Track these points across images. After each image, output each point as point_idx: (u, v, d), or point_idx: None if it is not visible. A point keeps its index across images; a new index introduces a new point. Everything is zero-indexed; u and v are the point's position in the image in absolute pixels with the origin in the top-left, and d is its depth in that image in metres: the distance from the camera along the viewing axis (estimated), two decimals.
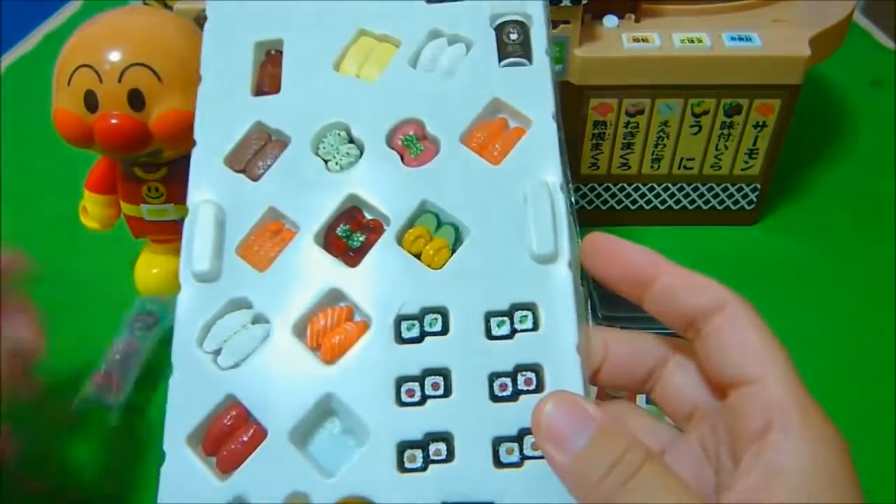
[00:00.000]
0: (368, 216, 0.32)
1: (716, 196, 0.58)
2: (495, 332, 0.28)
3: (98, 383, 0.45)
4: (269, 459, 0.27)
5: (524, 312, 0.29)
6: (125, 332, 0.47)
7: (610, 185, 0.57)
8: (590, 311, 0.51)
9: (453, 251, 0.30)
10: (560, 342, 0.28)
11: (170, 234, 0.50)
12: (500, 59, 0.33)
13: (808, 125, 0.70)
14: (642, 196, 0.58)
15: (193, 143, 0.33)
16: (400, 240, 0.31)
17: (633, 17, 0.53)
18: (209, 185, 0.32)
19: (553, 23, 0.49)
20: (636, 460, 0.23)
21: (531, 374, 0.28)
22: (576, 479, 0.24)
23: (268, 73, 0.35)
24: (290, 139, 0.33)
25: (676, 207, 0.59)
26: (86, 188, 0.50)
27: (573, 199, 0.31)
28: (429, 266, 0.30)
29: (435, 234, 0.31)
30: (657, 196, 0.58)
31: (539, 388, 0.27)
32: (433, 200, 0.31)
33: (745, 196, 0.58)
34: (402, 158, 0.32)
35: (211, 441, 0.29)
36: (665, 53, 0.50)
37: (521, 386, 0.28)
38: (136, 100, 0.43)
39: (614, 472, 0.23)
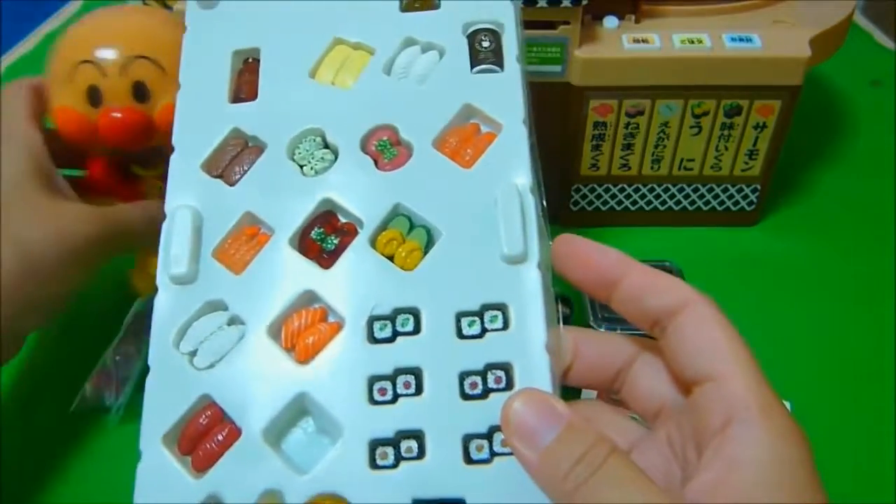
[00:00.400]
0: (342, 220, 0.32)
1: (716, 197, 0.58)
2: (466, 331, 0.29)
3: (98, 384, 0.45)
4: (243, 458, 0.28)
5: (494, 312, 0.29)
6: (125, 333, 0.47)
7: (610, 185, 0.57)
8: (590, 311, 0.51)
9: (425, 253, 0.31)
10: (529, 341, 0.28)
11: None
12: (473, 65, 0.34)
13: (808, 126, 0.70)
14: (642, 197, 0.58)
15: (171, 149, 0.34)
16: (373, 242, 0.31)
17: (633, 17, 0.53)
18: (186, 190, 0.33)
19: (553, 23, 0.49)
20: (602, 454, 0.23)
21: (501, 373, 0.28)
22: (543, 473, 0.24)
23: (245, 80, 0.36)
24: (266, 145, 0.34)
25: (676, 208, 0.59)
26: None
27: (544, 203, 0.31)
28: (401, 268, 0.31)
29: (407, 236, 0.31)
30: (657, 197, 0.58)
31: (509, 386, 0.28)
32: (406, 204, 0.32)
33: (745, 197, 0.58)
34: (375, 163, 0.33)
35: (187, 440, 0.29)
36: (665, 54, 0.50)
37: (492, 384, 0.28)
38: (140, 92, 0.43)
39: (580, 467, 0.23)
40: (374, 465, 0.27)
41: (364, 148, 0.33)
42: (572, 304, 0.51)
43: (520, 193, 0.31)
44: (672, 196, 0.58)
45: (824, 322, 0.52)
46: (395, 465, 0.27)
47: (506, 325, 0.29)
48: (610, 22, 0.52)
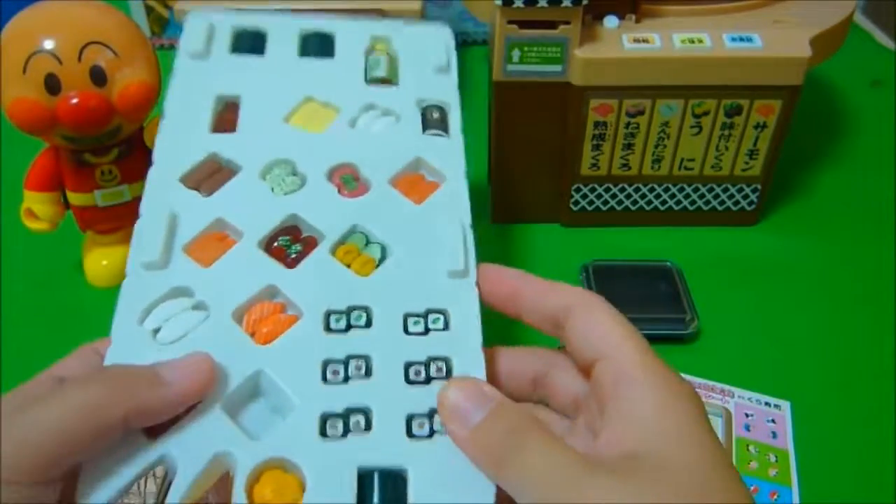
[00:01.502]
0: (305, 234, 0.36)
1: (716, 197, 0.58)
2: (412, 329, 0.33)
3: None
4: (198, 424, 0.29)
5: (437, 315, 0.33)
6: None
7: (610, 185, 0.57)
8: None
9: (378, 265, 0.35)
10: (467, 341, 0.32)
11: (123, 218, 0.52)
12: (424, 129, 0.40)
13: (808, 125, 0.70)
14: (643, 196, 0.58)
15: (150, 163, 0.37)
16: (333, 252, 0.35)
17: (633, 17, 0.53)
18: (164, 196, 0.36)
19: (553, 23, 0.49)
20: (526, 427, 0.27)
21: (442, 363, 0.32)
22: (475, 447, 0.28)
23: (225, 118, 0.40)
24: (240, 168, 0.37)
25: (677, 208, 0.59)
26: (28, 189, 0.49)
27: (476, 240, 0.37)
28: (357, 274, 0.34)
29: (363, 250, 0.36)
30: (657, 196, 0.58)
31: (448, 375, 0.31)
32: (364, 225, 0.36)
33: (745, 196, 0.58)
34: (339, 191, 0.37)
35: None
36: (665, 54, 0.50)
37: (433, 373, 0.31)
38: (98, 76, 0.45)
39: (508, 438, 0.26)
40: (323, 434, 0.29)
41: (329, 179, 0.38)
42: None
43: (463, 227, 0.36)
44: (672, 196, 0.58)
45: (824, 322, 0.52)
46: (343, 436, 0.29)
47: (447, 327, 0.33)
48: (610, 22, 0.52)
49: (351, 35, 0.44)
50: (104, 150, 0.48)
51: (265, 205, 0.36)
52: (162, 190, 0.36)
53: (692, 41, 0.51)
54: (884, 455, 0.44)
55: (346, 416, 0.30)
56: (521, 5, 0.48)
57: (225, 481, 0.28)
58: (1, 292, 0.53)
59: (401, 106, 0.41)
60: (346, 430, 0.30)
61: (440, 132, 0.40)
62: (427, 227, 0.36)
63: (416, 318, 0.33)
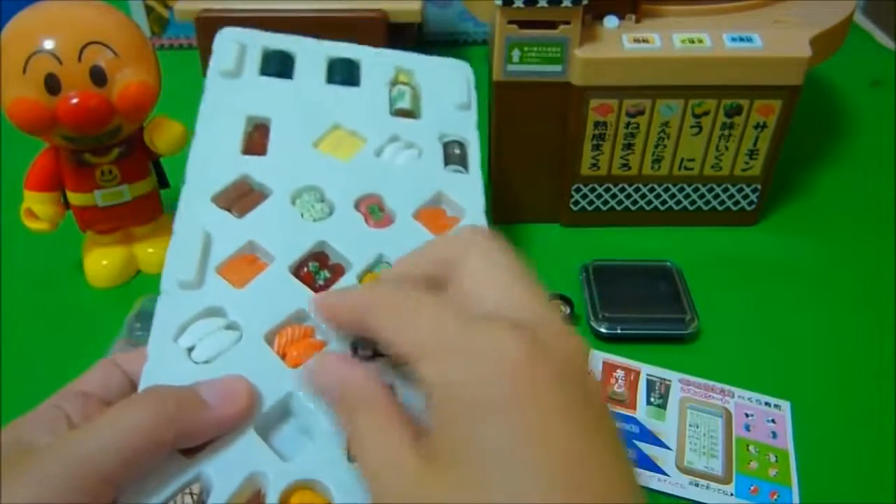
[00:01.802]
0: (333, 261, 0.37)
1: (716, 197, 0.58)
2: None
3: None
4: (232, 444, 0.30)
5: None
6: (125, 333, 0.47)
7: (610, 185, 0.57)
8: (590, 310, 0.51)
9: None
10: None
11: (123, 218, 0.52)
12: (446, 164, 0.42)
13: (808, 125, 0.70)
14: (643, 196, 0.58)
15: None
16: (360, 280, 0.36)
17: (633, 17, 0.53)
18: (197, 215, 0.37)
19: (553, 23, 0.49)
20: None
21: None
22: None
23: (255, 140, 0.41)
24: (271, 191, 0.39)
25: (677, 208, 0.59)
26: (28, 189, 0.50)
27: None
28: None
29: None
30: (657, 196, 0.58)
31: None
32: (388, 255, 0.37)
33: (745, 196, 0.58)
34: (365, 220, 0.38)
35: None
36: (665, 54, 0.50)
37: None
38: (98, 76, 0.45)
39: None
40: (351, 458, 0.30)
41: (356, 207, 0.39)
42: (572, 303, 0.51)
43: None
44: (672, 196, 0.58)
45: (824, 322, 0.52)
46: None
47: None
48: (610, 22, 0.52)
49: (376, 65, 0.46)
50: (104, 150, 0.48)
51: (295, 230, 0.37)
52: (195, 208, 0.37)
53: (692, 41, 0.51)
54: (884, 455, 0.44)
55: None
56: (521, 5, 0.48)
57: (257, 499, 0.29)
58: (1, 292, 0.53)
59: (423, 139, 0.42)
60: None
61: (460, 168, 0.42)
62: None
63: None
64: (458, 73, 0.47)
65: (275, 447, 0.31)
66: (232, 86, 0.43)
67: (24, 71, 0.44)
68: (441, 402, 0.24)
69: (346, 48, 0.46)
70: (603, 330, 0.50)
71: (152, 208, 0.53)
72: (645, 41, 0.51)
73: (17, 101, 0.44)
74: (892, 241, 0.59)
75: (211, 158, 0.39)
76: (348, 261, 0.37)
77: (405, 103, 0.44)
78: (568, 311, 0.50)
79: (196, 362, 0.32)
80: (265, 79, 0.44)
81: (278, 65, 0.45)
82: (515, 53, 0.51)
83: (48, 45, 0.44)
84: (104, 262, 0.53)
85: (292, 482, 0.30)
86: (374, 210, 0.39)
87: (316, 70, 0.45)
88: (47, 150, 0.49)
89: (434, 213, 0.39)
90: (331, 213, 0.38)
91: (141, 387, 0.31)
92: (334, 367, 0.28)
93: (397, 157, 0.41)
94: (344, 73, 0.45)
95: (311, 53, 0.46)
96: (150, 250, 0.54)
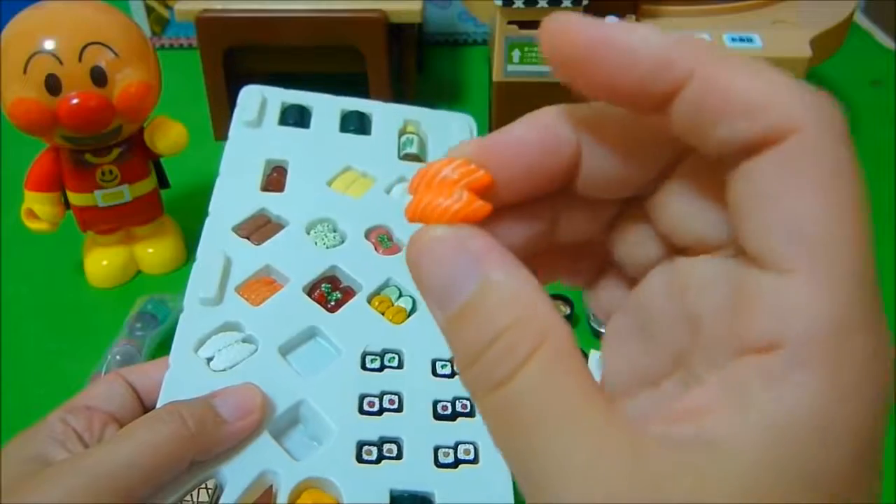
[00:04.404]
0: (344, 283, 0.40)
1: None
2: (439, 371, 0.36)
3: None
4: (246, 444, 0.32)
5: None
6: (125, 333, 0.47)
7: None
8: (591, 310, 0.51)
9: (409, 315, 0.39)
10: None
11: (123, 218, 0.52)
12: None
13: None
14: None
15: (206, 214, 0.42)
16: (369, 301, 0.39)
17: (633, 17, 0.53)
18: (219, 242, 0.40)
19: None
20: (529, 338, 0.15)
21: (467, 401, 0.35)
22: (454, 350, 0.16)
23: (274, 179, 0.45)
24: (288, 223, 0.42)
25: None
26: (29, 189, 0.49)
27: None
28: (390, 322, 0.38)
29: (396, 302, 0.40)
30: None
31: (472, 413, 0.34)
32: (396, 279, 0.40)
33: None
34: (375, 248, 0.41)
35: None
36: None
37: (459, 409, 0.35)
38: (98, 77, 0.45)
39: (494, 349, 0.15)
40: (360, 459, 0.32)
41: (366, 237, 0.42)
42: (573, 303, 0.51)
43: None
44: None
45: None
46: (377, 462, 0.33)
47: None
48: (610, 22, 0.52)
49: (385, 116, 0.49)
50: (105, 150, 0.48)
51: (309, 256, 0.40)
52: (217, 236, 0.40)
53: None
54: (884, 455, 0.44)
55: (380, 444, 0.33)
56: (521, 5, 0.48)
57: (268, 496, 0.32)
58: (1, 292, 0.53)
59: None
60: (381, 457, 0.33)
61: None
62: None
63: (443, 363, 0.37)
64: (461, 124, 0.49)
65: (286, 448, 0.33)
66: (254, 134, 0.46)
67: (25, 71, 0.44)
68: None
69: (358, 102, 0.50)
70: (603, 330, 0.49)
71: (152, 208, 0.53)
72: None
73: (18, 101, 0.44)
74: (893, 241, 0.59)
75: (232, 194, 0.43)
76: (359, 283, 0.39)
77: (413, 148, 0.47)
78: (568, 311, 0.50)
79: (214, 370, 0.35)
80: (284, 128, 0.47)
81: (296, 116, 0.48)
82: (515, 53, 0.51)
83: (49, 45, 0.44)
84: (104, 263, 0.53)
85: (303, 480, 0.31)
86: (383, 239, 0.42)
87: (330, 121, 0.48)
88: (48, 151, 0.49)
89: None
90: (342, 242, 0.41)
91: (162, 392, 0.33)
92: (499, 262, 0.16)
93: (406, 196, 0.43)
94: (356, 123, 0.49)
95: (326, 106, 0.49)
96: (151, 250, 0.54)
